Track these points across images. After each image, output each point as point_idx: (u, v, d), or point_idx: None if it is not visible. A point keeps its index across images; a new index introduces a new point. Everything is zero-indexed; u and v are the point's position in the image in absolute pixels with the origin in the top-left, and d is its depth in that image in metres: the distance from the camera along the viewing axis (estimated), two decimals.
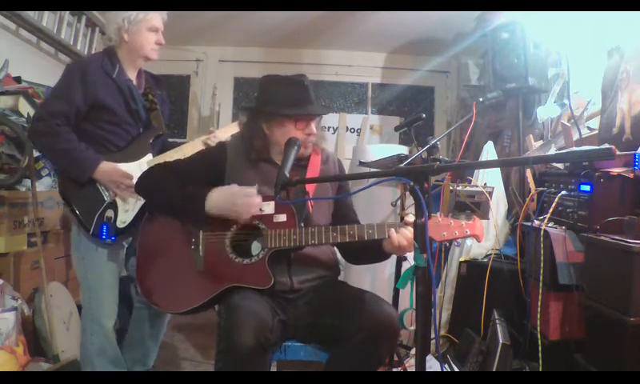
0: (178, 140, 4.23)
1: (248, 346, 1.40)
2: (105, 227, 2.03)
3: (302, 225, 1.69)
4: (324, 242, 1.63)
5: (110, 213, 2.05)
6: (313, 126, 1.76)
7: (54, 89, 2.09)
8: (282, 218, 1.67)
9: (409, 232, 1.55)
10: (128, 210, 2.10)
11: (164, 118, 2.29)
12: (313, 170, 1.82)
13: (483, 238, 1.52)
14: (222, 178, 1.77)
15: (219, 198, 1.66)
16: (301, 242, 1.63)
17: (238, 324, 1.44)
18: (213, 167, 1.79)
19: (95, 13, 3.78)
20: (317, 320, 1.64)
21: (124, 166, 2.08)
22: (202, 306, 1.68)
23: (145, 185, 1.80)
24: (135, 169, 2.08)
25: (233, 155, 1.80)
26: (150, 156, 2.18)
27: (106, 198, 2.05)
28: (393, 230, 1.57)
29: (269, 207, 1.69)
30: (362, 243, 1.62)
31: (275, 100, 1.76)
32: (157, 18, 2.15)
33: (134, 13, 2.08)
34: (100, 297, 2.11)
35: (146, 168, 1.94)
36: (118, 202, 2.08)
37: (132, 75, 2.17)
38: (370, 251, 1.71)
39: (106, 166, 2.01)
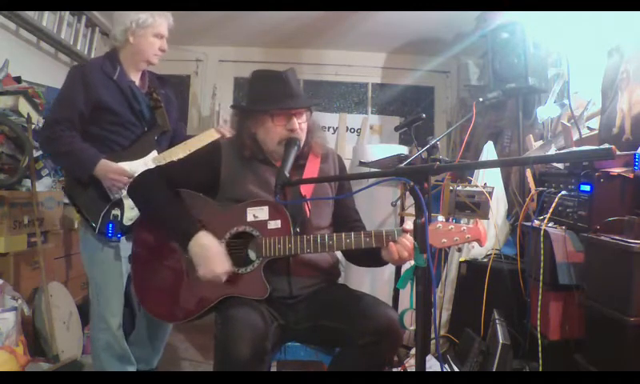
0: None
1: (245, 359, 1.38)
2: (111, 225, 2.05)
3: (298, 230, 1.63)
4: (320, 251, 1.58)
5: (116, 211, 2.07)
6: (294, 121, 1.65)
7: (58, 95, 2.14)
8: (277, 224, 1.61)
9: (408, 241, 1.50)
10: (134, 207, 2.08)
11: (172, 116, 2.30)
12: (311, 170, 1.75)
13: (486, 241, 1.45)
14: (218, 179, 1.70)
15: (200, 248, 1.57)
16: (296, 250, 1.57)
17: (235, 336, 1.42)
18: (208, 168, 1.72)
19: (95, 13, 3.78)
20: (317, 323, 1.62)
21: (128, 164, 2.08)
22: (198, 317, 1.66)
23: (135, 192, 1.74)
24: (140, 166, 2.08)
25: (228, 154, 1.72)
26: (155, 153, 2.18)
27: (111, 197, 2.06)
28: (392, 243, 1.52)
29: (262, 213, 1.62)
30: (362, 249, 1.57)
31: (255, 96, 1.70)
32: (164, 24, 2.17)
33: (143, 17, 2.09)
34: (105, 295, 2.14)
35: (151, 165, 1.93)
36: (125, 200, 2.07)
37: (135, 76, 2.19)
38: (371, 257, 1.65)
39: (103, 164, 2.02)
